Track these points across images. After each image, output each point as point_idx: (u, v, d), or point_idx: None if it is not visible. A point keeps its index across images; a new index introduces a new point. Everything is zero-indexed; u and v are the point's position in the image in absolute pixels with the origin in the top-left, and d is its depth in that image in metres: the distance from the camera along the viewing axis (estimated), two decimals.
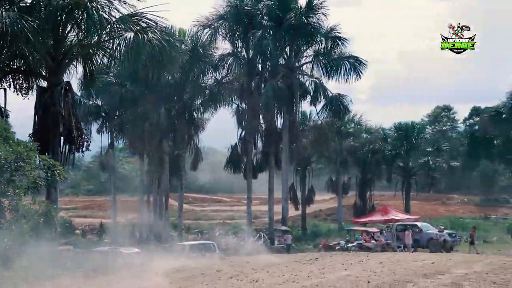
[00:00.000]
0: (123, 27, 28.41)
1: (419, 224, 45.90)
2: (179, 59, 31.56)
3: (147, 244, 45.70)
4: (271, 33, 52.74)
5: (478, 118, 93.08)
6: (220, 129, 66.63)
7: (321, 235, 60.49)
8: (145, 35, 27.28)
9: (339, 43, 53.08)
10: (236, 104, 55.29)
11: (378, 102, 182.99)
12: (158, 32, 27.74)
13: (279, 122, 54.12)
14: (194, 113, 56.15)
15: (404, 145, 70.04)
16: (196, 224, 72.51)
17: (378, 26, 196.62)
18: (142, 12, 29.24)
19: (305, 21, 52.12)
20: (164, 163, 55.13)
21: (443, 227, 46.51)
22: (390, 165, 70.26)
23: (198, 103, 56.22)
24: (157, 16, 29.05)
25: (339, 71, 52.37)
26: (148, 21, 29.08)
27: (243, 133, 55.07)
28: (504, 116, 66.20)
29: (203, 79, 55.16)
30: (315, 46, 53.81)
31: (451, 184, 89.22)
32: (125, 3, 29.29)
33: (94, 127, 58.68)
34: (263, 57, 53.21)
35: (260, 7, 53.57)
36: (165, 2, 29.40)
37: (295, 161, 60.25)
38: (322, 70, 53.46)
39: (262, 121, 54.29)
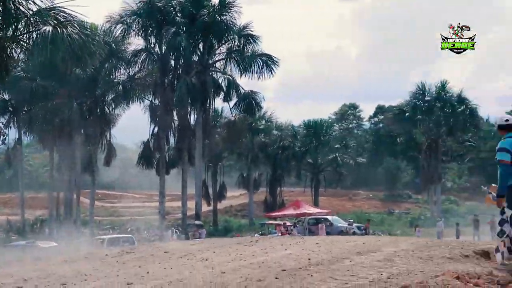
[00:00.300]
0: (40, 20, 28.01)
1: (329, 217, 47.42)
2: (100, 54, 31.43)
3: (59, 240, 45.29)
4: (184, 29, 52.99)
5: (383, 117, 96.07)
6: (130, 126, 66.32)
7: (232, 230, 61.33)
8: (64, 29, 27.02)
9: (252, 41, 53.98)
10: (149, 100, 55.25)
11: (287, 100, 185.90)
12: (77, 27, 27.59)
13: (192, 118, 54.52)
14: (106, 108, 55.85)
15: (313, 142, 71.71)
16: (107, 220, 71.96)
17: (287, 25, 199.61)
18: (60, 6, 28.95)
19: (218, 18, 52.61)
20: (75, 159, 54.63)
21: (352, 220, 48.18)
22: (300, 162, 71.84)
23: (110, 98, 55.94)
24: (74, 11, 28.87)
25: (252, 69, 53.29)
26: (65, 15, 28.81)
27: (156, 129, 55.02)
28: (407, 114, 68.49)
29: (115, 74, 54.90)
30: (228, 43, 54.52)
31: (357, 180, 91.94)
32: None
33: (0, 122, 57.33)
34: (176, 53, 53.36)
35: (173, 3, 53.74)
36: None
37: (207, 157, 60.73)
38: (235, 67, 54.27)
39: (175, 117, 54.38)
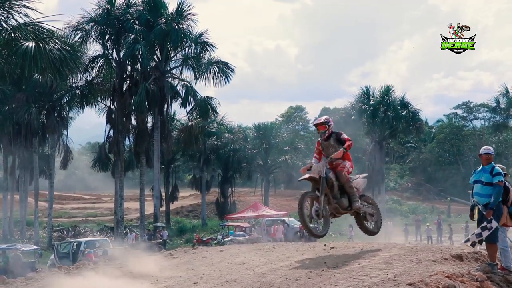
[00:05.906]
0: (20, 36, 29.03)
1: (285, 219, 49.63)
2: (79, 67, 32.63)
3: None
4: (142, 37, 54.17)
5: None
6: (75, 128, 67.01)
7: (186, 231, 63.02)
8: (46, 45, 28.17)
9: (208, 48, 55.62)
10: (105, 104, 56.39)
11: (225, 99, 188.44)
12: (58, 42, 28.86)
13: (150, 123, 55.90)
14: (64, 113, 56.91)
15: (263, 144, 73.95)
16: (58, 222, 72.47)
17: (226, 24, 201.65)
18: (38, 22, 30.00)
19: (175, 26, 53.88)
20: (33, 161, 55.73)
21: None
22: (251, 163, 73.97)
23: (65, 102, 57.00)
24: (53, 26, 30.04)
25: (208, 75, 55.03)
26: (44, 30, 29.94)
27: (111, 132, 55.92)
28: (353, 117, 71.02)
29: (73, 79, 55.75)
30: (185, 50, 55.98)
31: None
32: (18, 13, 29.90)
33: None
34: (134, 60, 54.43)
35: (131, 11, 54.77)
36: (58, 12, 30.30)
37: (161, 159, 62.03)
38: (191, 74, 55.90)
39: (133, 121, 55.54)
